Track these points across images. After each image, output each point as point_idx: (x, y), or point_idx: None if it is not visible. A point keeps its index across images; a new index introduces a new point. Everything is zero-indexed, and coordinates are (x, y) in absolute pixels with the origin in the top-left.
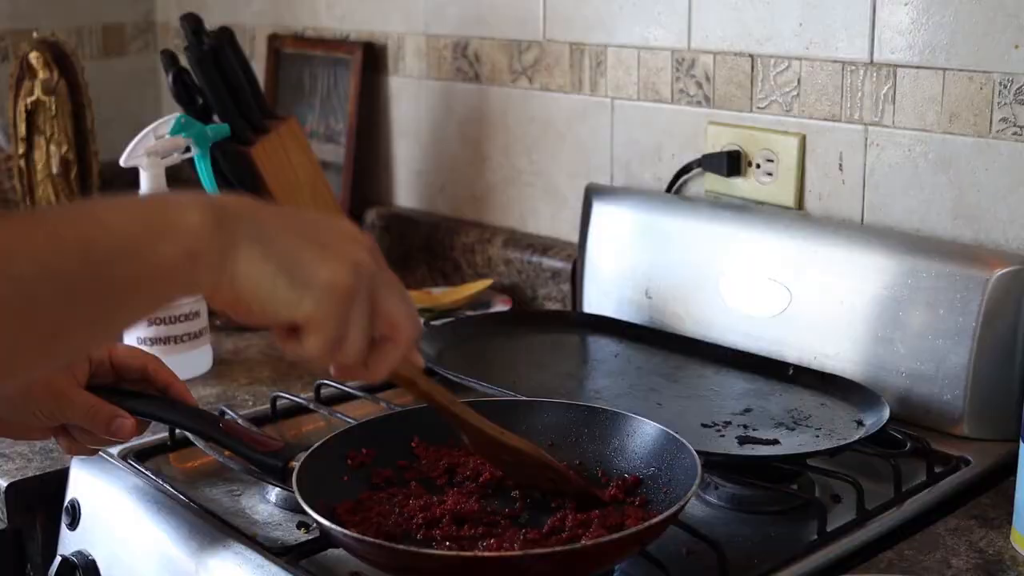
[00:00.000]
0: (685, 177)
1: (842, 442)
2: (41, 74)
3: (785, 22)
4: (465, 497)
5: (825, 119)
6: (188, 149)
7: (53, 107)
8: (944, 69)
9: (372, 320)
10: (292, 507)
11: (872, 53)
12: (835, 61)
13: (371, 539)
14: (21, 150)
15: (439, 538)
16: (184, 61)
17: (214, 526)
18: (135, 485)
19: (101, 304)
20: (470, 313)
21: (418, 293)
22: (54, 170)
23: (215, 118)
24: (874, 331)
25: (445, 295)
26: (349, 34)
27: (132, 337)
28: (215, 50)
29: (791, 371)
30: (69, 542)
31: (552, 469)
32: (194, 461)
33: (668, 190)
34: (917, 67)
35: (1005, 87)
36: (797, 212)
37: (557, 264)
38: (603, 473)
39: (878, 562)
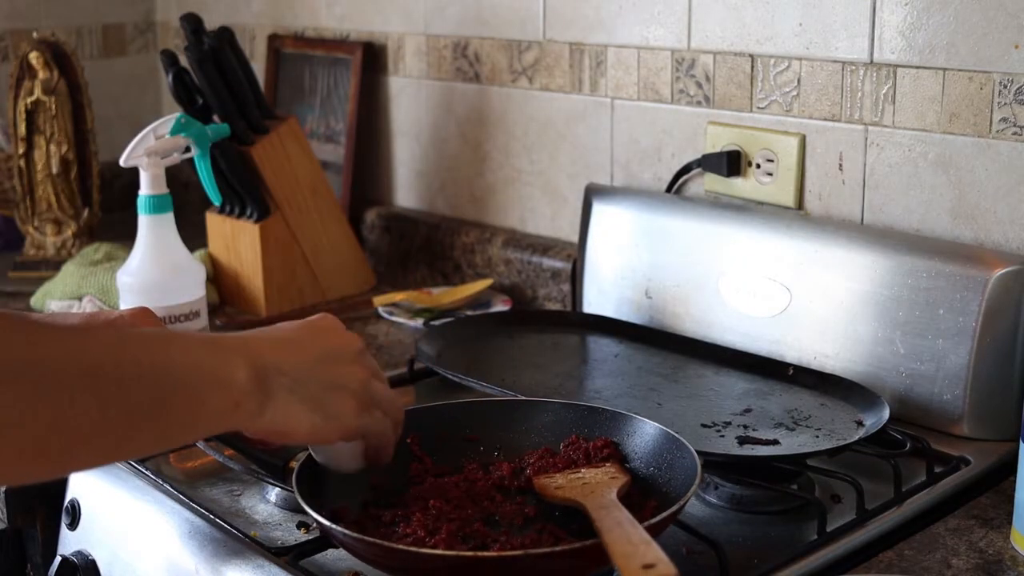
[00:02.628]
0: (685, 177)
1: (842, 442)
2: (41, 74)
3: (785, 22)
4: (466, 496)
5: (825, 119)
6: (188, 149)
7: (53, 107)
8: (944, 69)
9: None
10: (292, 507)
11: (872, 53)
12: (835, 61)
13: (371, 539)
14: (21, 150)
15: (439, 538)
16: (184, 61)
17: (214, 526)
18: (135, 485)
19: (158, 427)
20: (470, 313)
21: (418, 293)
22: (54, 170)
23: (215, 118)
24: (874, 331)
25: (445, 295)
26: (349, 34)
27: None
28: (215, 50)
29: (791, 371)
30: (69, 542)
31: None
32: (194, 461)
33: (668, 190)
34: (917, 67)
35: (1005, 87)
36: (797, 212)
37: (557, 264)
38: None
39: (878, 562)
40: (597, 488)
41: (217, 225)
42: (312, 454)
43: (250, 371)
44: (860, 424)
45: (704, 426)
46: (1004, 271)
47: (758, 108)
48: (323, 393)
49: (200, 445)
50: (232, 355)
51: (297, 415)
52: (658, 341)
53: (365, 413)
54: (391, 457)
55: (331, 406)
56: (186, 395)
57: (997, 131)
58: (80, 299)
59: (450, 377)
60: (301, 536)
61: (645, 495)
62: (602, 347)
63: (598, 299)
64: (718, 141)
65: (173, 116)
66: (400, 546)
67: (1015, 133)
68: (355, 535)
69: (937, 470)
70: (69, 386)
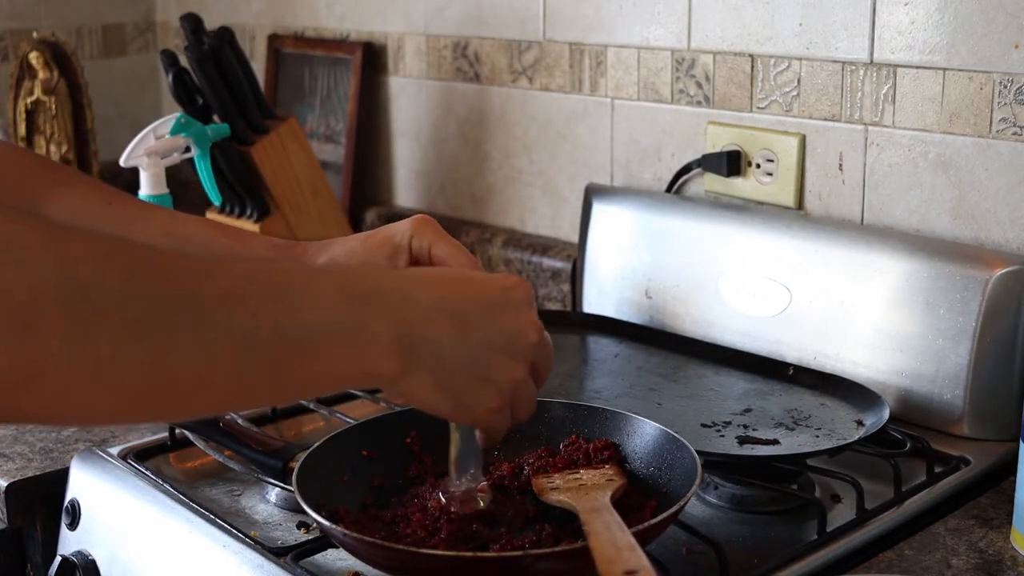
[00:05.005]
0: (685, 177)
1: (842, 442)
2: (41, 74)
3: (785, 22)
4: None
5: (825, 119)
6: (188, 149)
7: (53, 107)
8: (944, 69)
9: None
10: (292, 507)
11: (872, 53)
12: (835, 61)
13: (371, 539)
14: None
15: (439, 538)
16: (184, 61)
17: (214, 526)
18: (135, 485)
19: (269, 392)
20: None
21: None
22: None
23: (215, 118)
24: (874, 331)
25: None
26: (349, 34)
27: None
28: (215, 50)
29: (791, 371)
30: (69, 542)
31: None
32: (194, 461)
33: (668, 190)
34: (917, 67)
35: (1005, 87)
36: (797, 212)
37: (557, 264)
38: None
39: (878, 562)
40: (592, 491)
41: None
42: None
43: (393, 339)
44: (860, 424)
45: (704, 426)
46: (1004, 271)
47: (758, 108)
48: (467, 384)
49: (200, 445)
50: (379, 315)
51: (429, 396)
52: (658, 341)
53: (501, 414)
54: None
55: (469, 397)
56: (310, 359)
57: (997, 131)
58: None
59: None
60: (301, 536)
61: (645, 495)
62: (602, 347)
63: (598, 299)
64: (718, 141)
65: (173, 116)
66: (400, 546)
67: (1015, 133)
68: (355, 535)
69: (937, 470)
70: (167, 330)
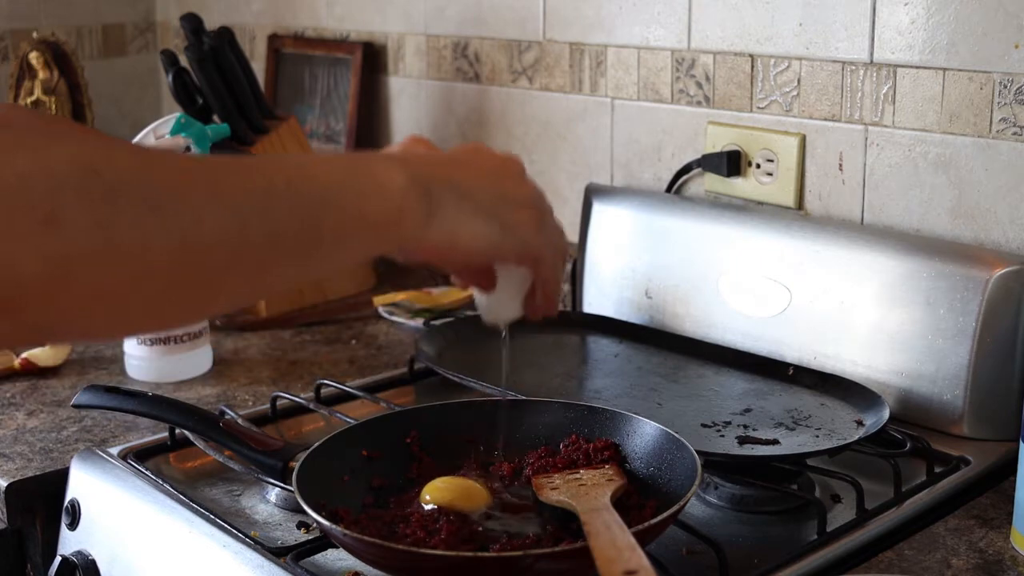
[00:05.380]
0: (685, 177)
1: (842, 442)
2: (41, 74)
3: (785, 22)
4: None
5: (825, 119)
6: (188, 149)
7: (53, 107)
8: (944, 69)
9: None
10: (292, 507)
11: (872, 53)
12: (835, 61)
13: (371, 539)
14: None
15: (439, 538)
16: (184, 61)
17: (214, 526)
18: (135, 485)
19: (304, 250)
20: (470, 313)
21: (418, 293)
22: None
23: (215, 118)
24: (874, 331)
25: (445, 295)
26: (349, 34)
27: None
28: (215, 50)
29: (791, 371)
30: (69, 542)
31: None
32: (194, 461)
33: (668, 190)
34: (917, 67)
35: (1005, 87)
36: (797, 212)
37: None
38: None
39: (878, 562)
40: (592, 491)
41: None
42: (475, 299)
43: (409, 178)
44: (860, 424)
45: (704, 426)
46: (1004, 271)
47: (758, 108)
48: (497, 204)
49: (200, 445)
50: (386, 163)
51: (471, 224)
52: (658, 341)
53: (543, 229)
54: (556, 309)
55: (508, 216)
56: (339, 206)
57: (997, 131)
58: None
59: (450, 377)
60: (301, 536)
61: (645, 495)
62: (602, 347)
63: (598, 299)
64: (718, 141)
65: (173, 116)
66: (400, 546)
67: (1015, 133)
68: (355, 535)
69: (937, 470)
70: (190, 202)
